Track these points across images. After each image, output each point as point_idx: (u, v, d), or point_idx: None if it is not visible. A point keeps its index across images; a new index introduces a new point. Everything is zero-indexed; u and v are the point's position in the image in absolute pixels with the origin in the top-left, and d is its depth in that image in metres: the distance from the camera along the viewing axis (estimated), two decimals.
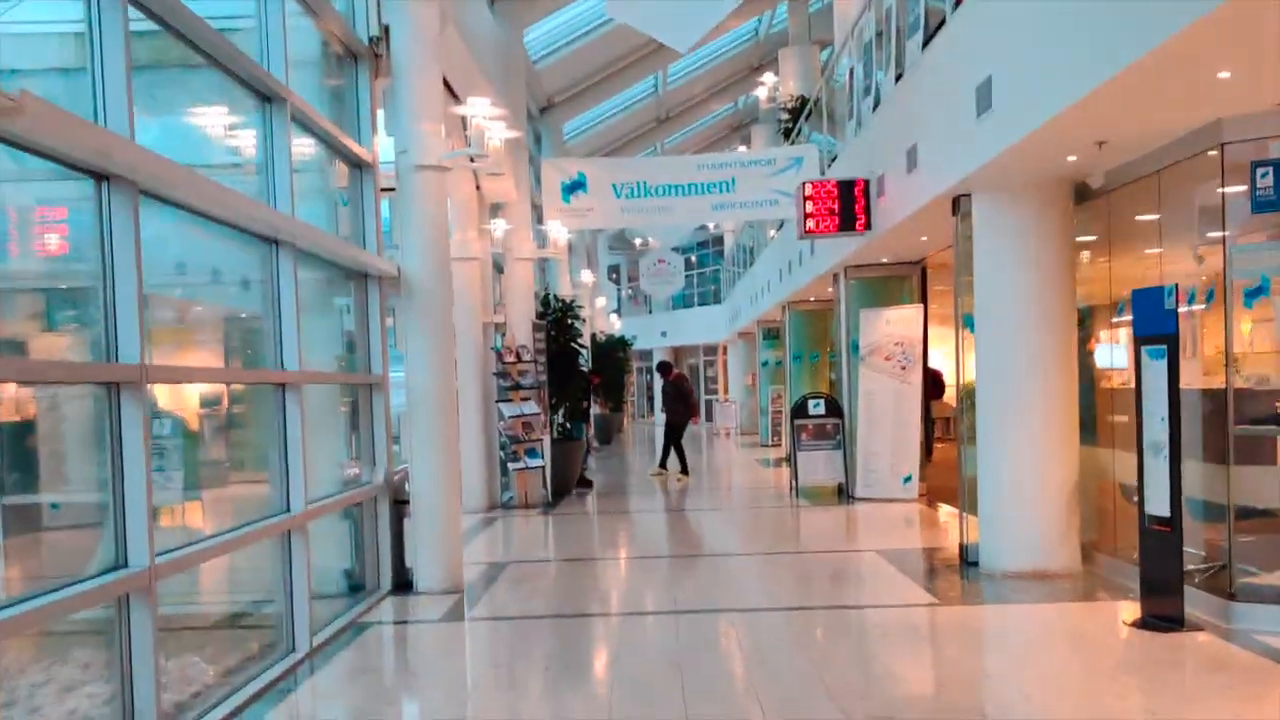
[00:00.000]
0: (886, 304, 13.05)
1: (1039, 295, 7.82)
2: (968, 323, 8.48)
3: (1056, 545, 7.67)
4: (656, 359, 37.63)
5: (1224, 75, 5.21)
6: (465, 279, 13.30)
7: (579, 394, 16.04)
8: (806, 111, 17.08)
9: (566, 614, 7.38)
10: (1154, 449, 6.18)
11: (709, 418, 33.70)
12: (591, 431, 16.87)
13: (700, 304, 37.99)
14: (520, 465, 13.27)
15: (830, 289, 16.52)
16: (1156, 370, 6.16)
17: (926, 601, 7.23)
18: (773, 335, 24.22)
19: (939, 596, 7.34)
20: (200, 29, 5.26)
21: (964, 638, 6.53)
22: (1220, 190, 6.25)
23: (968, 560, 8.20)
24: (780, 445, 21.14)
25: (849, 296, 13.41)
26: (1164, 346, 6.11)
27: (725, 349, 35.43)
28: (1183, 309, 6.39)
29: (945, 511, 11.55)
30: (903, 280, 13.41)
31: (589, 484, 15.86)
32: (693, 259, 38.44)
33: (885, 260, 12.95)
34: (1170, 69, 5.07)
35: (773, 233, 22.20)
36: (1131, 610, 6.52)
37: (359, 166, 8.23)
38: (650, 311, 40.98)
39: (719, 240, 37.75)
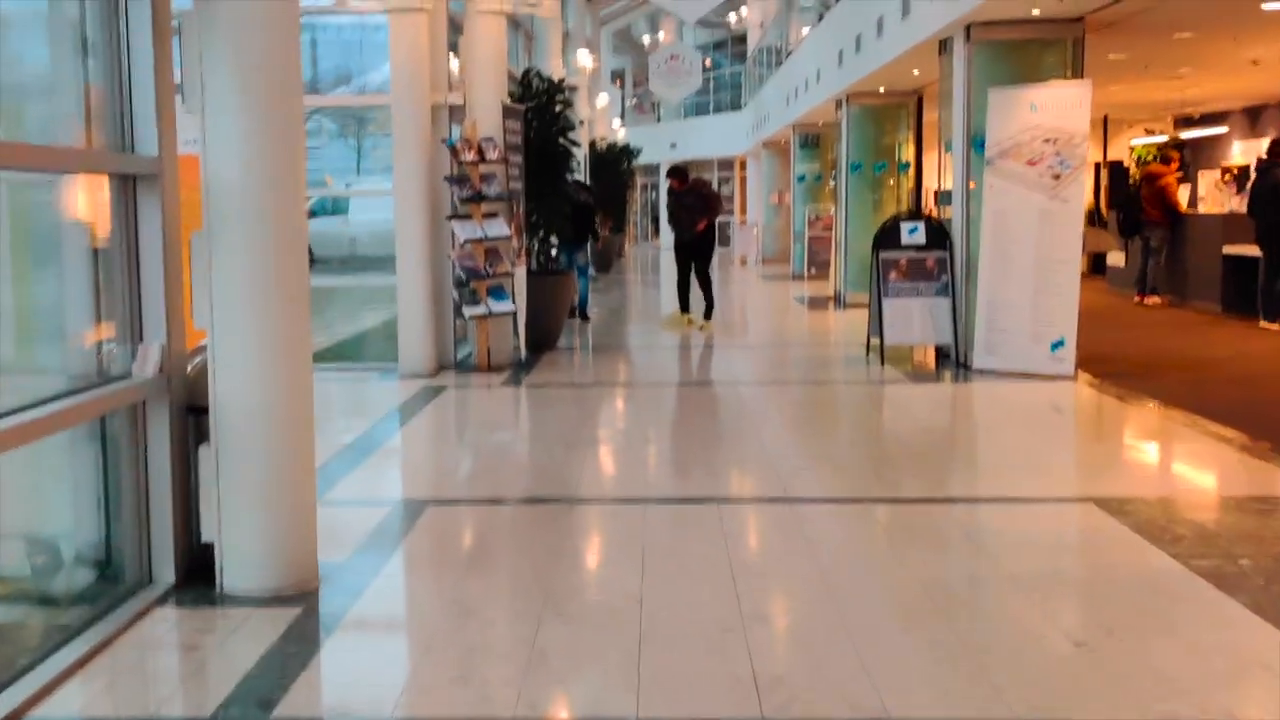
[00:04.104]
0: (1028, 80, 8.71)
1: None
2: None
3: None
4: (664, 173, 32.99)
5: None
6: (407, 38, 8.96)
7: (583, 219, 12.23)
8: None
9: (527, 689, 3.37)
10: None
11: (723, 243, 29.41)
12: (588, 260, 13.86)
13: (716, 111, 33.11)
14: (481, 311, 9.18)
15: (915, 72, 12.15)
16: None
17: None
18: (812, 143, 19.82)
19: None
20: None
21: None
22: None
23: None
24: (824, 278, 17.02)
25: (971, 70, 9.02)
26: None
27: (744, 163, 30.76)
28: None
29: (1118, 399, 7.55)
30: (1047, 47, 8.98)
31: (586, 318, 12.97)
32: (708, 61, 33.31)
33: (1036, 13, 8.52)
34: None
35: (805, 29, 17.57)
36: None
37: None
38: (659, 119, 36.22)
39: (740, 40, 32.54)
